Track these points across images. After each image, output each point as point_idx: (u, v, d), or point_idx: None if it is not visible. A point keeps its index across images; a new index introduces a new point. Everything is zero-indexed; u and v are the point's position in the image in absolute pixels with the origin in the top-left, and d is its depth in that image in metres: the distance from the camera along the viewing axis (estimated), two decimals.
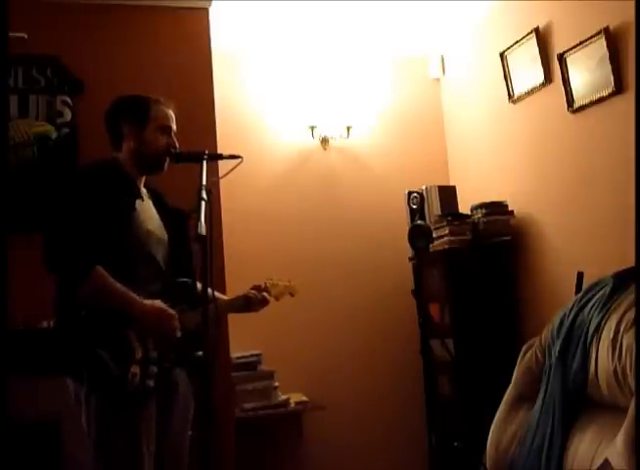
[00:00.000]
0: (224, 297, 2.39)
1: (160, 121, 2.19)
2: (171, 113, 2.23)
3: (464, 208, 3.76)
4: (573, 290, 2.70)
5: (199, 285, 2.24)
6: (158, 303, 2.06)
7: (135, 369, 1.96)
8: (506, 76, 3.59)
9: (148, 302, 2.04)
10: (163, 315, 2.05)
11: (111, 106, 2.22)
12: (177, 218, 2.27)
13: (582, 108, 3.06)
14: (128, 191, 2.15)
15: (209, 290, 2.23)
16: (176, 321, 2.07)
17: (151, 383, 2.01)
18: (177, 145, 2.21)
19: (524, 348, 2.41)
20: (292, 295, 2.45)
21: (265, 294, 2.35)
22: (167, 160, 2.19)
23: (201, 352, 2.17)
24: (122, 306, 1.99)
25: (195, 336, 2.11)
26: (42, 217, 2.19)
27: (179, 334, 2.09)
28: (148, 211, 2.19)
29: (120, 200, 2.09)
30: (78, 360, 1.97)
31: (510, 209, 3.57)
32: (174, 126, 2.23)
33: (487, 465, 2.32)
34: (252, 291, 2.34)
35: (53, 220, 2.03)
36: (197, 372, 2.13)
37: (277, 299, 2.41)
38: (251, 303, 2.32)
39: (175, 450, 2.16)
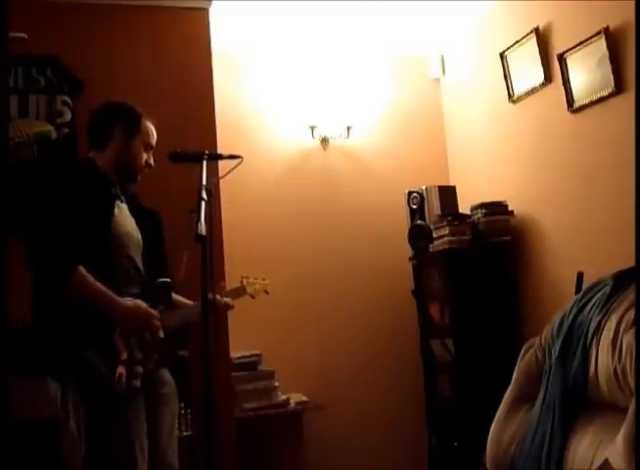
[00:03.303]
0: (189, 302, 2.36)
1: (146, 138, 2.23)
2: (154, 130, 2.27)
3: (464, 208, 3.76)
4: (573, 290, 2.70)
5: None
6: (138, 302, 2.07)
7: (121, 370, 1.96)
8: (506, 76, 3.59)
9: (129, 301, 2.05)
10: (144, 314, 2.06)
11: (104, 107, 2.24)
12: (151, 219, 2.29)
13: (582, 108, 3.06)
14: (108, 193, 2.16)
15: (179, 297, 2.26)
16: (157, 320, 2.08)
17: (137, 383, 2.02)
18: (153, 164, 2.25)
19: (524, 348, 2.40)
20: (266, 292, 2.48)
21: (228, 299, 2.34)
22: (139, 176, 2.23)
23: (184, 352, 2.18)
24: (104, 307, 2.00)
25: (176, 335, 2.12)
26: (23, 215, 2.19)
27: (162, 334, 2.10)
28: (124, 213, 2.21)
29: (101, 201, 2.11)
30: (64, 363, 1.97)
31: (510, 209, 3.57)
32: (154, 144, 2.27)
33: (487, 465, 2.32)
34: (217, 296, 2.31)
35: (34, 220, 2.04)
36: (180, 372, 2.15)
37: (253, 297, 2.43)
38: (216, 308, 2.30)
39: (166, 450, 2.17)
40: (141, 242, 2.22)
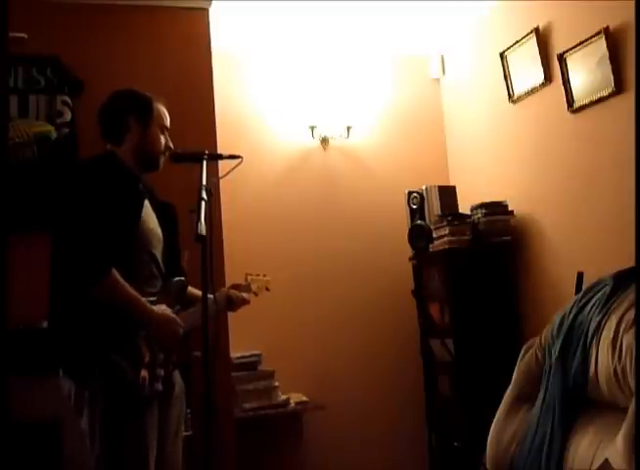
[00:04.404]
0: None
1: (160, 121, 2.19)
2: (167, 111, 2.24)
3: (464, 208, 3.76)
4: (573, 290, 2.70)
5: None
6: (165, 309, 2.05)
7: (144, 373, 1.95)
8: (506, 76, 3.59)
9: (157, 308, 2.03)
10: (171, 323, 2.04)
11: (115, 98, 2.20)
12: (169, 213, 2.26)
13: (582, 108, 3.06)
14: (136, 189, 2.13)
15: (196, 290, 2.25)
16: (181, 328, 2.07)
17: (159, 386, 2.00)
18: (172, 145, 2.22)
19: (524, 348, 2.41)
20: (267, 289, 2.46)
21: (245, 294, 2.35)
22: (163, 159, 2.19)
23: (198, 353, 2.17)
24: (134, 311, 1.98)
25: (190, 336, 2.11)
26: (48, 216, 2.16)
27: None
28: (148, 209, 2.18)
29: (131, 199, 2.08)
30: (88, 364, 1.95)
31: (510, 209, 3.57)
32: (169, 125, 2.24)
33: (487, 465, 2.32)
34: (234, 291, 2.34)
35: (64, 220, 2.00)
36: (193, 372, 2.14)
37: (256, 294, 2.42)
38: (232, 302, 2.32)
39: (172, 452, 2.16)
40: (162, 238, 2.19)
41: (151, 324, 2.00)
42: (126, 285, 1.96)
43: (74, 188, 2.05)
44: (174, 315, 2.07)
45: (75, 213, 1.98)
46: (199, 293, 2.23)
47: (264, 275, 2.47)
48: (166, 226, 2.22)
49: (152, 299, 2.07)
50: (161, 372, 2.02)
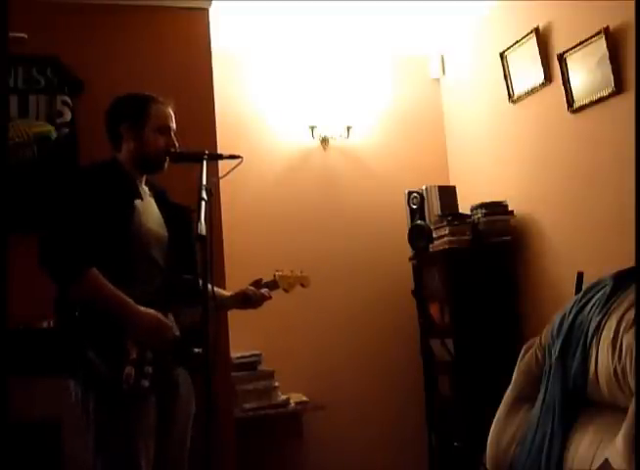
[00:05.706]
0: (225, 292, 2.38)
1: (158, 121, 2.18)
2: (170, 111, 2.23)
3: (464, 208, 3.77)
4: (573, 290, 2.70)
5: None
6: (154, 312, 2.03)
7: (129, 370, 1.94)
8: (506, 76, 3.59)
9: (144, 309, 2.02)
10: (159, 326, 2.03)
11: (110, 106, 2.22)
12: (181, 215, 2.26)
13: (582, 108, 3.06)
14: (126, 191, 2.14)
15: (209, 286, 2.24)
16: (170, 332, 2.06)
17: (146, 383, 1.99)
18: (177, 144, 2.21)
19: (523, 348, 2.41)
20: (303, 286, 2.43)
21: (265, 290, 2.34)
22: (167, 159, 2.19)
23: (198, 349, 2.16)
24: (116, 310, 1.98)
25: (193, 333, 2.10)
26: (39, 216, 2.19)
27: (177, 332, 2.08)
28: (148, 210, 2.18)
29: (118, 200, 2.09)
30: (73, 361, 1.98)
31: (510, 209, 3.57)
32: (173, 125, 2.23)
33: (487, 465, 2.32)
34: (251, 287, 2.33)
35: (49, 220, 2.03)
36: (195, 369, 2.14)
37: (286, 291, 2.40)
38: (249, 299, 2.31)
39: (177, 451, 2.16)
40: (166, 238, 2.19)
41: (134, 322, 1.99)
42: (107, 285, 1.96)
43: (60, 192, 2.10)
44: (163, 319, 2.05)
45: (55, 216, 2.02)
46: (218, 290, 2.22)
47: (301, 272, 2.44)
48: (175, 228, 2.22)
49: (149, 298, 2.06)
50: (149, 370, 2.01)
